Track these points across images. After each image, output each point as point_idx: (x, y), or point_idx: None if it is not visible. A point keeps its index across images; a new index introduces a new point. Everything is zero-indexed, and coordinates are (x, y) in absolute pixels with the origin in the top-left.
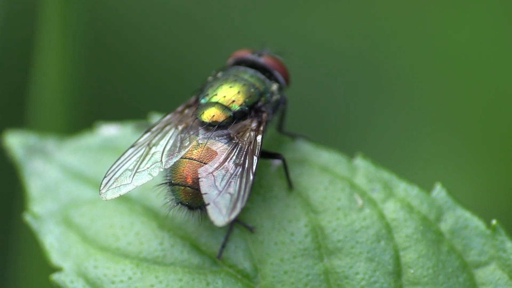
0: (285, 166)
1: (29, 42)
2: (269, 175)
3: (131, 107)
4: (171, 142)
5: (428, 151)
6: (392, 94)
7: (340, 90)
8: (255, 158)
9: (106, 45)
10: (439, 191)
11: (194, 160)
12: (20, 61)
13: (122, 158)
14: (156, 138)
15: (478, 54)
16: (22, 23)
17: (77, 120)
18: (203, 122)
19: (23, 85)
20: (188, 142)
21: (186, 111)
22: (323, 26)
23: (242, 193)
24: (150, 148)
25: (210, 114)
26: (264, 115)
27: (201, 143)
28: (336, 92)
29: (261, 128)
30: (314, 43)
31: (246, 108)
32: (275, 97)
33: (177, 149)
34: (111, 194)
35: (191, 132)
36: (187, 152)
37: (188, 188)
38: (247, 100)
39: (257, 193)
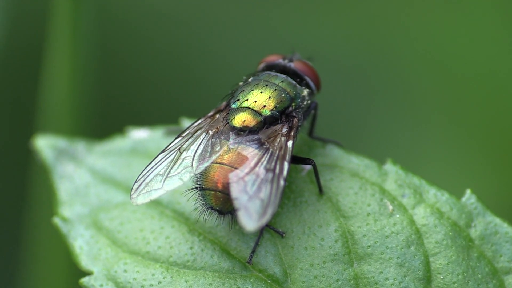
0: (315, 171)
1: (38, 49)
2: (300, 180)
3: (141, 115)
4: (202, 147)
5: (431, 153)
6: (393, 96)
7: (341, 92)
8: (285, 163)
9: (115, 53)
10: (469, 197)
11: (225, 165)
12: (29, 67)
13: (153, 163)
14: (187, 143)
15: (479, 53)
16: (31, 29)
17: (86, 128)
18: (234, 127)
19: (32, 90)
20: (219, 147)
21: (217, 116)
22: (322, 30)
23: (272, 198)
24: (181, 153)
25: (241, 119)
26: (295, 120)
27: (232, 148)
28: (338, 95)
29: (292, 133)
30: (315, 46)
31: (277, 113)
32: (306, 102)
33: (208, 154)
34: (141, 199)
35: (222, 137)
36: (218, 157)
37: (218, 193)
38: (278, 105)
39: (287, 198)
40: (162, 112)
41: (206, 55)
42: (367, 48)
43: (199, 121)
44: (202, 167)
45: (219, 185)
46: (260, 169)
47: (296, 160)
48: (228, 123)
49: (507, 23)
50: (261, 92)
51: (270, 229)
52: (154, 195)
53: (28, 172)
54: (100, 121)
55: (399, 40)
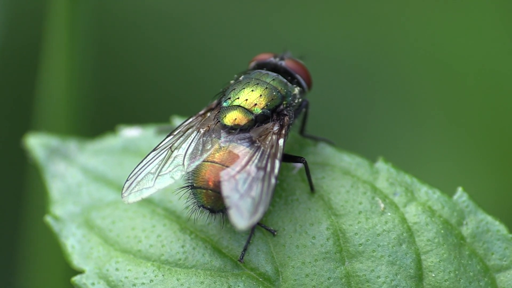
0: (306, 169)
1: (35, 48)
2: (291, 178)
3: (137, 113)
4: (193, 145)
5: (431, 152)
6: (393, 95)
7: (342, 91)
8: (277, 161)
9: (112, 51)
10: (460, 195)
11: (216, 163)
12: (26, 67)
13: (144, 162)
14: (178, 141)
15: (479, 53)
16: (28, 29)
17: (83, 127)
18: (225, 125)
19: (29, 89)
20: (210, 145)
21: (208, 114)
22: (323, 30)
23: (264, 196)
24: (172, 151)
25: (232, 118)
26: (286, 118)
27: (223, 146)
28: (338, 94)
29: (283, 131)
30: (315, 46)
31: (268, 111)
32: (297, 100)
33: (199, 152)
34: (133, 197)
35: (213, 135)
36: (209, 155)
37: (210, 191)
38: (269, 103)
39: (278, 196)
40: (161, 112)
41: (204, 54)
42: (367, 48)
43: (190, 120)
44: (193, 166)
45: (210, 183)
46: (251, 168)
47: (287, 158)
48: (219, 121)
49: (507, 23)
50: (252, 91)
51: (262, 228)
52: (146, 194)
53: (26, 172)
54: (97, 120)
55: (399, 40)
